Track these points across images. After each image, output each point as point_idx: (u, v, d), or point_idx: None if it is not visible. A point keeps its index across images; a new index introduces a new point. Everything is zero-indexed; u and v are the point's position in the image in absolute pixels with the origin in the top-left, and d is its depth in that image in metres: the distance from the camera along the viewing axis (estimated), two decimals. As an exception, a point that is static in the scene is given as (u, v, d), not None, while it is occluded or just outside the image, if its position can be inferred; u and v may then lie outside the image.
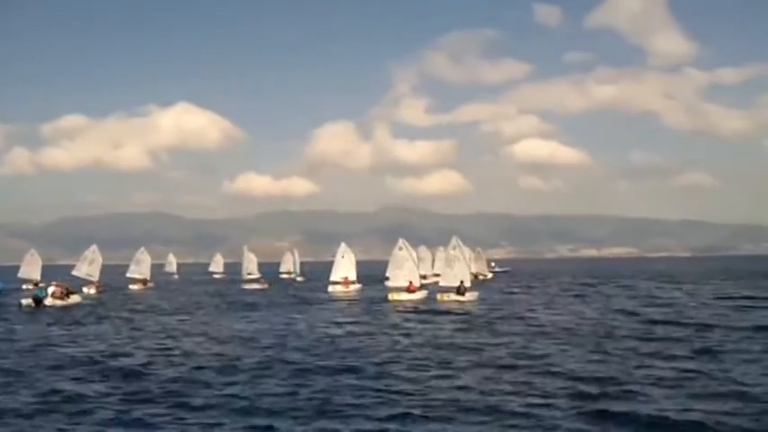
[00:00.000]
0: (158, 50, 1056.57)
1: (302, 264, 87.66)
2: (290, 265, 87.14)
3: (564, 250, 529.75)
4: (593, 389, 13.61)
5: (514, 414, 11.79)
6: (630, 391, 13.38)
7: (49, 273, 59.37)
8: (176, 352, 19.62)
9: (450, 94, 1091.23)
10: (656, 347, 19.21)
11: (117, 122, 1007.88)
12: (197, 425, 11.47)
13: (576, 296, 43.31)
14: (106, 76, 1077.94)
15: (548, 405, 12.33)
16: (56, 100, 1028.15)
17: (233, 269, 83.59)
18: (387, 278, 48.54)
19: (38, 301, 37.52)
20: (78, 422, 11.74)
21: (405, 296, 40.41)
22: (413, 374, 15.64)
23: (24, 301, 37.58)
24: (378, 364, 16.97)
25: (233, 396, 13.42)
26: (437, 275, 53.29)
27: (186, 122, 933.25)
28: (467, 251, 54.29)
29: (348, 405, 12.60)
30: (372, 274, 63.70)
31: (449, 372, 15.93)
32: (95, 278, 53.53)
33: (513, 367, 16.35)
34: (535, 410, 11.96)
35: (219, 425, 11.43)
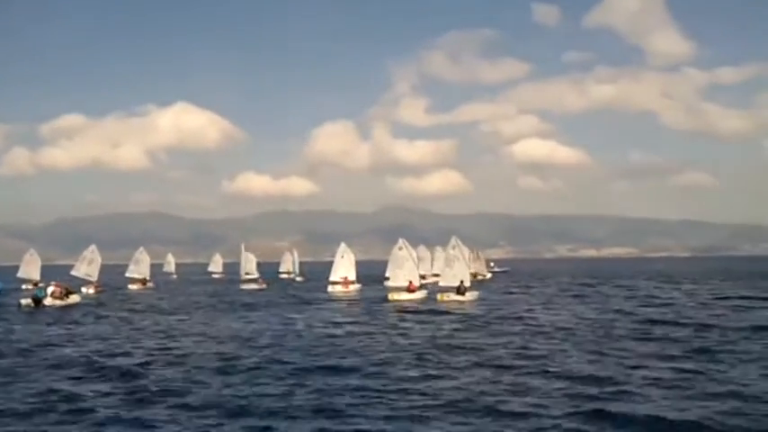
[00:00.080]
0: (157, 50, 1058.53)
1: (301, 264, 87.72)
2: (289, 265, 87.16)
3: (563, 250, 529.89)
4: (591, 389, 13.62)
5: (513, 414, 11.79)
6: (629, 392, 13.38)
7: (48, 273, 59.31)
8: (175, 352, 19.61)
9: (450, 94, 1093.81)
10: (655, 348, 19.23)
11: (116, 122, 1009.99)
12: (196, 425, 11.47)
13: (575, 296, 43.30)
14: (105, 76, 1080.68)
15: (546, 405, 12.34)
16: (55, 100, 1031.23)
17: (232, 269, 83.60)
18: (386, 278, 48.54)
19: (37, 301, 37.54)
20: (77, 422, 11.73)
21: (405, 296, 40.42)
22: (412, 374, 15.64)
23: (24, 301, 37.61)
24: (377, 365, 16.97)
25: (231, 396, 13.42)
26: (436, 275, 53.34)
27: (185, 122, 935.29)
28: (466, 251, 54.31)
29: (347, 405, 12.59)
30: (372, 275, 63.71)
31: (448, 372, 15.92)
32: (94, 278, 53.54)
33: (511, 367, 16.35)
34: (534, 411, 11.97)
35: (218, 425, 11.44)
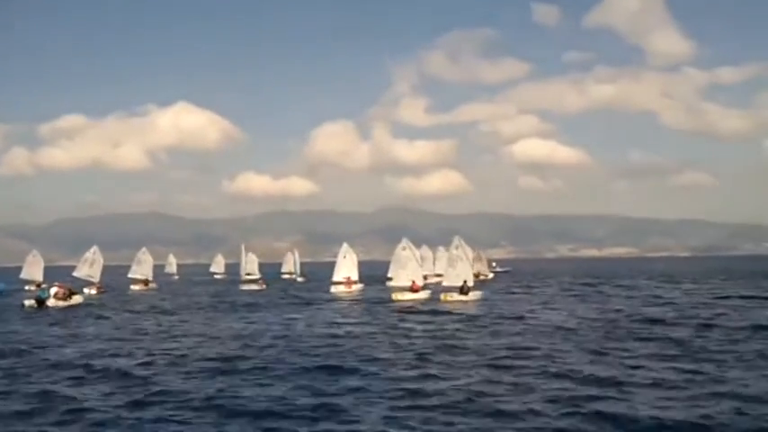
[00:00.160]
0: (157, 50, 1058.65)
1: (302, 264, 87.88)
2: (291, 265, 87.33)
3: (564, 250, 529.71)
4: (592, 389, 13.65)
5: (514, 414, 11.82)
6: (629, 392, 13.40)
7: (50, 274, 59.40)
8: (176, 352, 19.64)
9: (450, 94, 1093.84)
10: (656, 348, 19.23)
11: (116, 122, 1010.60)
12: (196, 425, 11.52)
13: (577, 296, 43.37)
14: (105, 76, 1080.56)
15: (547, 405, 12.35)
16: (54, 100, 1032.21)
17: (234, 270, 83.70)
18: (389, 278, 48.64)
19: (40, 301, 37.75)
20: (77, 422, 11.78)
21: (408, 296, 40.52)
22: (413, 374, 15.67)
23: (27, 302, 37.84)
24: (378, 365, 16.99)
25: (232, 396, 13.46)
26: (439, 275, 53.42)
27: (185, 122, 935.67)
28: (469, 251, 54.37)
29: (348, 405, 12.62)
30: (373, 275, 63.78)
31: (449, 372, 15.94)
32: (96, 279, 53.59)
33: (512, 367, 16.37)
34: (534, 411, 12.00)
35: (218, 425, 11.48)
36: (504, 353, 18.76)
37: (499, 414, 11.89)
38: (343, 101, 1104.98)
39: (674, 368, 15.92)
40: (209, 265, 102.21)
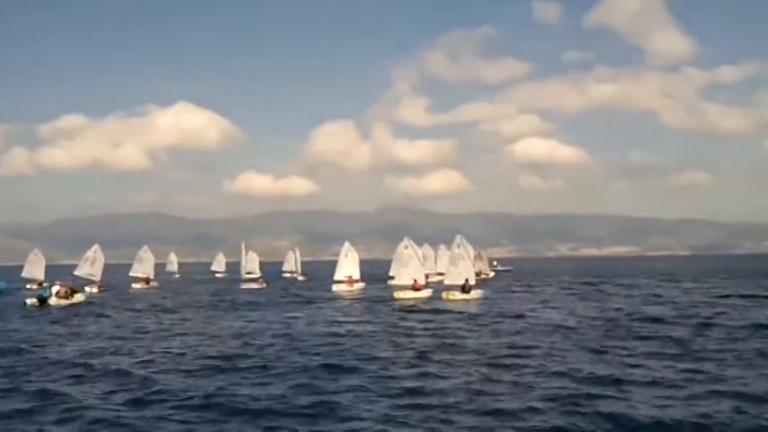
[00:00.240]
0: (157, 50, 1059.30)
1: (303, 263, 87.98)
2: (292, 264, 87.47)
3: (564, 249, 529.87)
4: (591, 388, 13.64)
5: (513, 413, 11.82)
6: (629, 391, 13.41)
7: (51, 273, 59.50)
8: (177, 351, 19.67)
9: (450, 94, 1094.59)
10: (655, 346, 19.24)
11: (116, 122, 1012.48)
12: (196, 424, 11.54)
13: (577, 295, 43.38)
14: (105, 76, 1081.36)
15: (546, 404, 12.36)
16: (54, 100, 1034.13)
17: (235, 269, 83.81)
18: (390, 277, 48.68)
19: (42, 300, 37.91)
20: (77, 420, 11.79)
21: (410, 294, 40.59)
22: (413, 373, 15.68)
23: (29, 301, 37.99)
24: (378, 364, 17.01)
25: (232, 395, 13.46)
26: (440, 274, 53.45)
27: (185, 122, 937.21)
28: (471, 250, 54.39)
29: (348, 404, 12.64)
30: (375, 273, 63.81)
31: (449, 370, 15.95)
32: (97, 278, 53.69)
33: (513, 366, 16.37)
34: (534, 409, 12.00)
35: (218, 425, 11.49)
36: (504, 351, 18.77)
37: (498, 412, 11.88)
38: (343, 100, 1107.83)
39: (674, 367, 15.93)
40: (210, 264, 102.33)
